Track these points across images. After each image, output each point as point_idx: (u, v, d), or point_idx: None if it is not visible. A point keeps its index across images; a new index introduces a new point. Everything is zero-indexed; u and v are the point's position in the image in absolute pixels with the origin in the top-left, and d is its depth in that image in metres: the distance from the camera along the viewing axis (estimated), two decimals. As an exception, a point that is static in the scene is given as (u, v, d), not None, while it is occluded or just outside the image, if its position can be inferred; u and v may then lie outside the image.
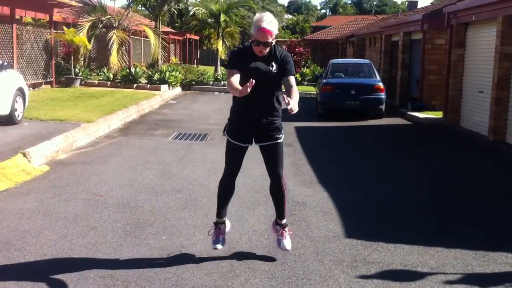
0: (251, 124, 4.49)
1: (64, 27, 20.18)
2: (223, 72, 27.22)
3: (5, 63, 10.58)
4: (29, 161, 7.84)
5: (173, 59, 35.67)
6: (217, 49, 32.45)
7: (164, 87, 21.36)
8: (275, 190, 4.68)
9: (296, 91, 4.37)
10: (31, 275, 4.26)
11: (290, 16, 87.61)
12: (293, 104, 4.13)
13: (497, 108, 11.66)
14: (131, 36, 24.74)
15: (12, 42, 15.85)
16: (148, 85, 21.35)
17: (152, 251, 4.83)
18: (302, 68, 29.99)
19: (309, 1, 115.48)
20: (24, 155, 7.90)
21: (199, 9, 32.91)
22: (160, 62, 25.17)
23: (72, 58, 19.96)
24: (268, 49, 4.38)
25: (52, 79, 19.07)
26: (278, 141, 4.55)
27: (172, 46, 36.96)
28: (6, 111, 10.28)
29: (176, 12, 29.86)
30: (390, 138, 12.74)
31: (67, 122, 11.12)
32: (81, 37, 19.87)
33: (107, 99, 15.93)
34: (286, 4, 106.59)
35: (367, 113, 15.62)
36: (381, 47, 24.25)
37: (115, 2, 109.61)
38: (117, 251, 4.80)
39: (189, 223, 5.63)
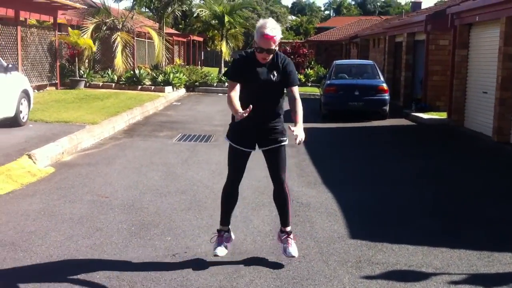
0: (253, 129, 4.46)
1: (69, 29, 20.25)
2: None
3: (10, 65, 10.62)
4: (35, 163, 7.87)
5: (177, 60, 35.76)
6: (221, 50, 32.53)
7: (168, 88, 21.40)
8: (278, 196, 4.62)
9: (299, 106, 4.37)
10: (37, 276, 4.29)
11: (294, 17, 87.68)
12: (299, 132, 4.15)
13: (501, 108, 11.66)
14: (135, 38, 24.81)
15: (17, 44, 15.91)
16: (152, 87, 21.40)
17: (157, 252, 4.85)
18: (306, 69, 30.01)
19: (313, 2, 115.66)
20: (30, 156, 7.94)
21: (203, 11, 32.99)
22: (164, 63, 25.23)
23: (76, 60, 20.02)
24: (271, 56, 4.36)
25: (56, 81, 19.14)
26: (281, 144, 4.53)
27: (176, 47, 37.07)
28: (11, 113, 10.33)
29: (180, 13, 29.89)
30: (394, 139, 12.74)
31: (72, 123, 11.17)
32: (86, 39, 19.93)
33: (111, 101, 15.98)
34: (290, 5, 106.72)
35: (371, 114, 15.63)
36: (385, 48, 24.25)
37: (119, 4, 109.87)
38: (123, 252, 4.82)
39: (194, 224, 5.66)
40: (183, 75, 23.78)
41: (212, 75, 25.95)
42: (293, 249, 4.60)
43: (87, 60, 21.50)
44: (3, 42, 15.18)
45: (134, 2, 25.24)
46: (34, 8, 17.40)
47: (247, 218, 5.84)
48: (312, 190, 7.21)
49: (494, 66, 12.09)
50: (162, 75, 22.39)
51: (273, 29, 4.23)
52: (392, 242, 5.22)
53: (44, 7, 17.54)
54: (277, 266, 4.58)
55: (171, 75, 22.33)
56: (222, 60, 32.01)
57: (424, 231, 5.66)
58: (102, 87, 20.77)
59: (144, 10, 38.12)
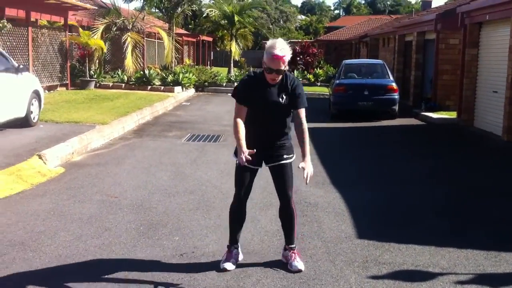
0: (260, 147, 4.41)
1: (80, 30, 20.37)
2: (236, 74, 27.32)
3: (21, 66, 10.72)
4: (45, 163, 7.94)
5: (187, 60, 35.86)
6: (230, 50, 32.57)
7: (177, 88, 21.48)
8: (284, 212, 4.58)
9: (306, 134, 4.36)
10: (47, 275, 4.34)
11: (303, 17, 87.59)
12: (307, 167, 4.20)
13: (511, 108, 11.60)
14: (145, 38, 24.91)
15: (28, 45, 16.03)
16: (162, 87, 21.48)
17: (165, 251, 4.89)
18: (315, 69, 30.00)
19: (323, 2, 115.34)
20: (40, 157, 8.01)
21: (212, 11, 33.05)
22: (173, 63, 25.30)
23: (87, 61, 20.14)
24: (280, 77, 4.34)
25: (67, 82, 19.27)
26: (288, 161, 4.51)
27: (185, 47, 37.18)
28: (22, 114, 10.42)
29: (190, 13, 29.98)
30: (403, 139, 12.71)
31: (82, 124, 11.25)
32: (96, 40, 20.04)
33: (121, 101, 16.06)
34: (299, 5, 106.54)
35: (380, 113, 15.59)
36: (394, 47, 24.18)
37: (129, 4, 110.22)
38: (131, 252, 4.86)
39: (202, 224, 5.69)
40: (193, 75, 23.85)
41: (221, 75, 26.00)
42: (298, 262, 4.55)
43: (97, 61, 21.62)
44: (14, 43, 15.31)
45: (144, 3, 25.37)
46: (45, 9, 17.54)
47: (255, 218, 5.86)
48: (320, 190, 7.22)
49: (504, 65, 12.03)
50: (172, 75, 22.46)
51: (282, 49, 4.21)
52: (399, 242, 5.22)
53: (55, 8, 17.67)
54: (284, 266, 4.60)
55: (181, 75, 22.40)
56: (232, 60, 32.06)
57: (431, 231, 5.65)
58: (112, 87, 20.88)
59: (154, 10, 38.26)
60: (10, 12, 16.07)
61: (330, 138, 12.00)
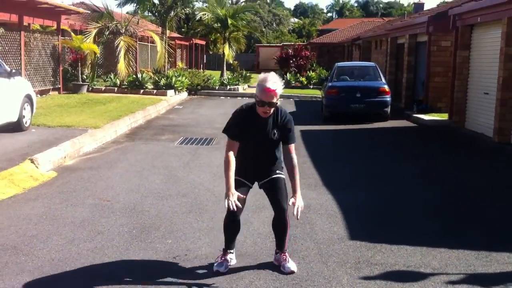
0: (251, 173, 4.58)
1: (72, 34, 20.33)
2: (229, 77, 27.35)
3: (13, 70, 10.70)
4: (37, 167, 7.93)
5: (180, 64, 35.82)
6: (223, 53, 32.58)
7: (170, 92, 21.47)
8: (278, 223, 4.61)
9: (296, 169, 4.47)
10: (39, 279, 4.34)
11: (296, 20, 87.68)
12: (298, 202, 4.29)
13: (502, 109, 11.68)
14: (138, 42, 24.89)
15: (20, 49, 16.01)
16: (155, 91, 21.47)
17: (158, 254, 4.90)
18: (308, 72, 30.05)
19: (316, 4, 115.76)
20: (32, 161, 8.00)
21: (205, 14, 33.04)
22: (166, 67, 25.29)
23: (79, 65, 20.12)
24: (272, 110, 4.39)
25: (59, 86, 19.23)
26: (280, 175, 4.59)
27: (178, 51, 37.14)
28: (14, 118, 10.40)
29: (183, 16, 29.94)
30: (396, 140, 12.76)
31: (74, 128, 11.23)
32: (89, 44, 20.02)
33: (113, 105, 16.05)
34: (292, 8, 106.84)
35: (372, 116, 15.64)
36: (387, 50, 24.27)
37: (122, 8, 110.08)
38: (124, 255, 4.87)
39: (195, 226, 5.70)
40: (185, 78, 23.85)
41: (214, 79, 26.02)
42: (291, 264, 4.59)
43: (90, 65, 21.58)
44: (6, 47, 15.28)
45: (137, 7, 25.32)
46: (38, 13, 17.51)
47: (248, 221, 5.87)
48: (312, 192, 7.24)
49: (495, 67, 12.11)
50: (164, 78, 22.46)
51: (274, 83, 4.28)
52: (391, 243, 5.25)
53: (47, 12, 17.64)
54: (276, 267, 4.62)
55: (173, 79, 22.40)
56: (225, 63, 32.07)
57: (423, 232, 5.69)
58: (105, 91, 20.86)
59: (147, 14, 38.25)
60: (2, 16, 16.07)
61: (322, 141, 12.03)
